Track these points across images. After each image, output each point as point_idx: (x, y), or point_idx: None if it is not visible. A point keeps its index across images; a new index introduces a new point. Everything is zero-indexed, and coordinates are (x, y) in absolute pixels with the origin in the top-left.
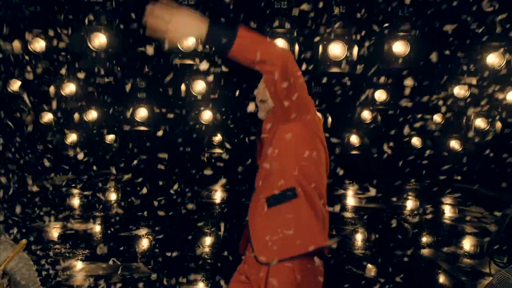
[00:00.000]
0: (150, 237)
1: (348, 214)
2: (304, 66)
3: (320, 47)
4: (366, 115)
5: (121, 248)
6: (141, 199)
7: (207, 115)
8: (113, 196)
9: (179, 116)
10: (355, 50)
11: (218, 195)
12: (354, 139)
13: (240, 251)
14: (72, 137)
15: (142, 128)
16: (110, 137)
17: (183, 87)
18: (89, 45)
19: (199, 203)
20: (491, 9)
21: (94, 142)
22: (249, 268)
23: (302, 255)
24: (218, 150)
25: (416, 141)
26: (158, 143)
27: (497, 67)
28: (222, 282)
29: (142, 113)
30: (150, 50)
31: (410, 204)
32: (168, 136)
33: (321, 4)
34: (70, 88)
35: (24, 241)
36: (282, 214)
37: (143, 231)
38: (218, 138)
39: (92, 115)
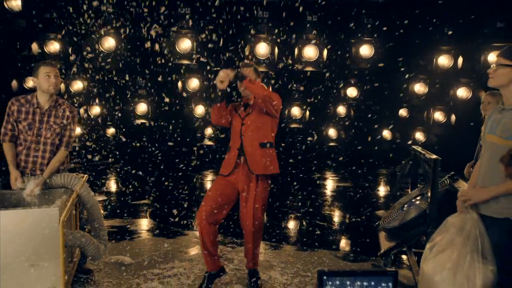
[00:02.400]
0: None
1: (324, 190)
2: (281, 65)
3: (296, 50)
4: (341, 110)
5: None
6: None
7: (200, 110)
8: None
9: (176, 110)
10: (325, 52)
11: (209, 178)
12: (331, 132)
13: (226, 172)
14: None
15: (142, 121)
16: (111, 131)
17: (179, 84)
18: (100, 47)
19: (192, 183)
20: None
21: (97, 135)
22: (239, 178)
23: (272, 174)
24: (208, 143)
25: (386, 133)
26: (157, 134)
27: (447, 67)
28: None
29: (142, 107)
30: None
31: (375, 183)
32: (165, 128)
33: (297, 13)
34: (77, 85)
35: (86, 175)
36: (266, 152)
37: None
38: (209, 131)
39: (96, 110)
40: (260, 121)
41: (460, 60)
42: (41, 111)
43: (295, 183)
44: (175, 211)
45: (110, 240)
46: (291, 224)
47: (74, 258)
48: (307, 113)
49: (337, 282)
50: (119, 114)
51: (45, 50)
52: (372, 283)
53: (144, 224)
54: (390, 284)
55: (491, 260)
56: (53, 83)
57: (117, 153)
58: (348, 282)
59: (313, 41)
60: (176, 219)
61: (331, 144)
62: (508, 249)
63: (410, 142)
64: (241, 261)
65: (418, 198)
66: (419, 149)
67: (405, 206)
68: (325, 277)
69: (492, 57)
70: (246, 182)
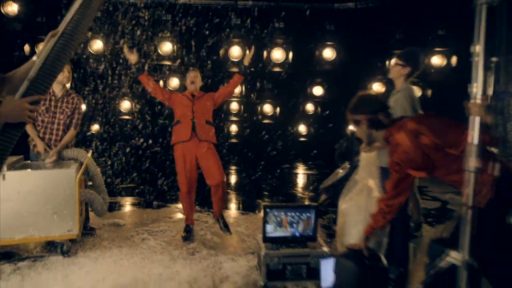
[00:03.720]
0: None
1: (291, 176)
2: (253, 67)
3: (265, 53)
4: (309, 107)
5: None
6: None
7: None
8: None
9: (158, 108)
10: (291, 55)
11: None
12: (302, 128)
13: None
14: None
15: (126, 117)
16: (95, 127)
17: (161, 83)
18: (89, 49)
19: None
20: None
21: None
22: (192, 146)
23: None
24: None
25: (351, 128)
26: (139, 130)
27: None
28: None
29: (126, 105)
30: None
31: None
32: (147, 124)
33: (265, 20)
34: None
35: (91, 150)
36: (210, 127)
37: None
38: None
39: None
40: (210, 107)
41: None
42: (56, 98)
43: (267, 172)
44: (157, 191)
45: None
46: (259, 199)
47: (82, 214)
48: (278, 109)
49: (275, 213)
50: (105, 111)
51: (36, 51)
52: (298, 213)
53: (133, 200)
54: (312, 214)
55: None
56: (67, 76)
57: (102, 147)
58: (282, 213)
59: (280, 45)
60: (159, 197)
61: (302, 139)
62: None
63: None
64: (214, 223)
65: (347, 164)
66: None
67: (336, 170)
68: (268, 210)
69: (435, 60)
70: (196, 148)
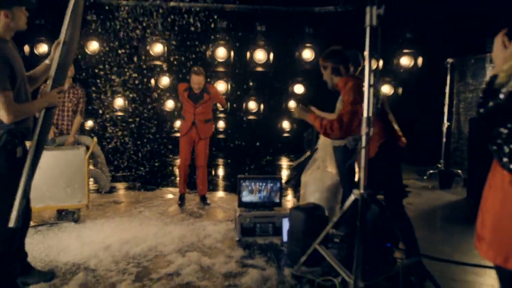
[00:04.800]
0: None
1: (276, 167)
2: (238, 66)
3: (248, 53)
4: (292, 104)
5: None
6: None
7: (170, 104)
8: None
9: (149, 104)
10: (271, 55)
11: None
12: (285, 124)
13: (186, 132)
14: None
15: (119, 113)
16: (89, 124)
17: (152, 81)
18: (86, 50)
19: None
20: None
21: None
22: (192, 138)
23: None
24: (177, 134)
25: None
26: (131, 125)
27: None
28: None
29: (119, 102)
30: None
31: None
32: (139, 120)
33: (249, 23)
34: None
35: (95, 137)
36: (208, 125)
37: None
38: (177, 124)
39: None
40: (209, 106)
41: (381, 62)
42: (64, 90)
43: (251, 163)
44: (149, 176)
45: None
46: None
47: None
48: (262, 106)
49: (248, 183)
50: (100, 109)
51: (35, 51)
52: (266, 183)
53: (128, 185)
54: (278, 184)
55: (335, 169)
56: (72, 73)
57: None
58: (253, 183)
59: (262, 47)
60: (151, 182)
61: (285, 134)
62: (341, 163)
63: None
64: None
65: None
66: None
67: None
68: (241, 181)
69: (404, 60)
70: (197, 141)
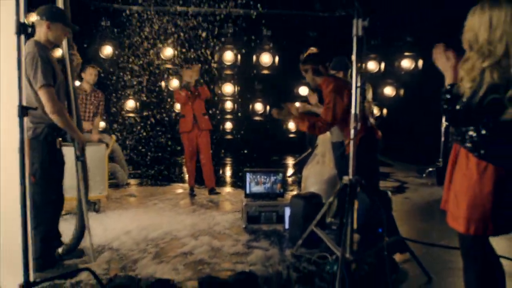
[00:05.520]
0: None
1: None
2: (244, 70)
3: (254, 57)
4: (297, 105)
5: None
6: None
7: (179, 106)
8: None
9: (159, 105)
10: (277, 59)
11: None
12: (291, 125)
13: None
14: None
15: (131, 114)
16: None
17: (163, 83)
18: (100, 54)
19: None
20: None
21: None
22: (194, 133)
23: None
24: None
25: None
26: (142, 124)
27: (375, 70)
28: None
29: (130, 103)
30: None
31: None
32: (150, 120)
33: (255, 28)
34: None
35: (114, 136)
36: (206, 118)
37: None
38: None
39: None
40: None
41: (383, 65)
42: (86, 93)
43: (258, 162)
44: (161, 174)
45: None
46: None
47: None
48: (268, 108)
49: (253, 175)
50: (111, 110)
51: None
52: (270, 176)
53: (141, 181)
54: (280, 176)
55: (333, 164)
56: (93, 77)
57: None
58: (258, 175)
59: (268, 50)
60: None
61: (291, 135)
62: (338, 157)
63: None
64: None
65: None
66: None
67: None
68: (247, 173)
69: (405, 63)
70: (197, 135)
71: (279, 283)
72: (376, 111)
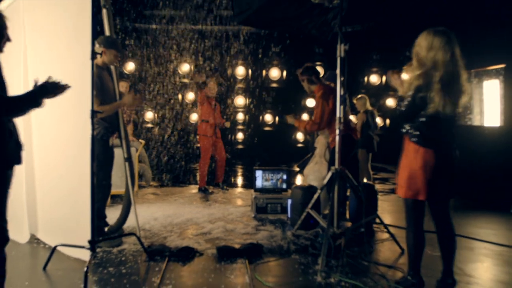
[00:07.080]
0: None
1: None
2: (255, 83)
3: (264, 72)
4: (305, 117)
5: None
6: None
7: (194, 116)
8: None
9: (176, 116)
10: (285, 73)
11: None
12: (299, 135)
13: (210, 133)
14: None
15: (149, 125)
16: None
17: (179, 96)
18: (124, 69)
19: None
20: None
21: None
22: (212, 138)
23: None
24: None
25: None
26: (161, 133)
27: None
28: None
29: (149, 115)
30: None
31: None
32: (166, 131)
33: (265, 45)
34: None
35: (143, 141)
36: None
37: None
38: None
39: None
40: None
41: (384, 78)
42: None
43: None
44: (178, 177)
45: (143, 188)
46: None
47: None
48: (277, 118)
49: (261, 172)
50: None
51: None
52: (276, 173)
53: (159, 183)
54: (285, 174)
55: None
56: (125, 90)
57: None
58: (266, 172)
59: (276, 65)
60: (180, 181)
61: (299, 145)
62: (331, 155)
63: None
64: (219, 190)
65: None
66: None
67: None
68: (256, 170)
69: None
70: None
71: (280, 252)
72: (379, 121)
